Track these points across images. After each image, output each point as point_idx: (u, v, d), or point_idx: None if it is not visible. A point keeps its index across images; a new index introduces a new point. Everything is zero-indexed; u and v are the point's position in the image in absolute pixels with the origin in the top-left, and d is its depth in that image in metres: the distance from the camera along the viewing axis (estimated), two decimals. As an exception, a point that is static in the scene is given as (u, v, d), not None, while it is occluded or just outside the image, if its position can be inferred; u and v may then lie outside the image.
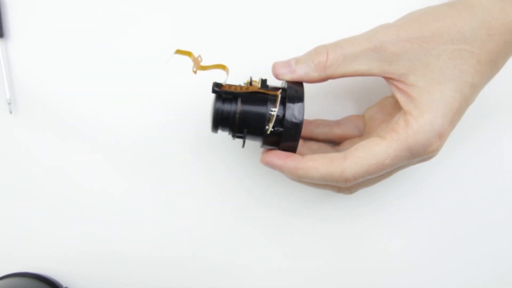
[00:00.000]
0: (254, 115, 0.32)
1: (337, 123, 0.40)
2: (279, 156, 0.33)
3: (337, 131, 0.39)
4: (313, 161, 0.32)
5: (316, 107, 0.41)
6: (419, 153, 0.31)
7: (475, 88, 0.31)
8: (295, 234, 0.43)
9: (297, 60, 0.33)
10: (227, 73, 0.32)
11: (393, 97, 0.38)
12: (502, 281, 0.44)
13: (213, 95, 0.33)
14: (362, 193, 0.40)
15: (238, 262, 0.44)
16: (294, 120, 0.31)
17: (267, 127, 0.32)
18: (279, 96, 0.32)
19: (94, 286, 0.44)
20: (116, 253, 0.44)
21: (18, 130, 0.42)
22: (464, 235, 0.43)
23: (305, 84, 0.33)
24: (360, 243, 0.43)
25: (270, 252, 0.44)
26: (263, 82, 0.33)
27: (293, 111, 0.31)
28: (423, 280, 0.44)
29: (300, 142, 0.38)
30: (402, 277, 0.44)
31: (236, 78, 0.36)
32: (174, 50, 0.30)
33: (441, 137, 0.31)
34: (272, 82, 0.34)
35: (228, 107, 0.32)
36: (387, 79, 0.32)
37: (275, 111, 0.31)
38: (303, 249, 0.43)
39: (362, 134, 0.39)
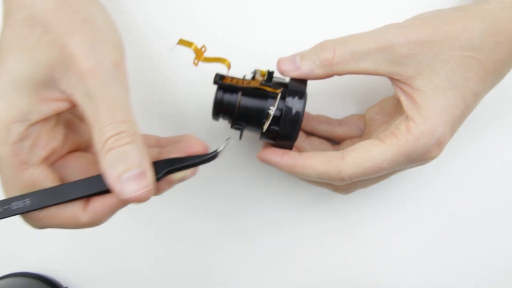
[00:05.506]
0: (254, 109, 0.32)
1: (339, 122, 0.39)
2: (275, 154, 0.33)
3: (338, 131, 0.39)
4: (310, 159, 0.32)
5: (317, 102, 0.40)
6: (417, 159, 0.31)
7: (477, 96, 0.31)
8: (292, 235, 0.43)
9: (302, 56, 0.32)
10: (228, 67, 0.32)
11: (394, 97, 0.37)
12: (503, 283, 0.44)
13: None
14: (361, 196, 0.40)
15: (233, 260, 0.43)
16: (291, 122, 0.31)
17: (264, 125, 0.31)
18: (279, 96, 0.31)
19: (94, 286, 0.44)
20: (116, 253, 0.44)
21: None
22: (464, 239, 0.43)
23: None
24: (358, 245, 0.43)
25: (263, 252, 0.43)
26: (269, 75, 0.32)
27: (291, 112, 0.31)
28: (422, 283, 0.43)
29: (303, 136, 0.38)
30: (401, 281, 0.43)
31: (242, 70, 0.34)
32: (177, 40, 0.30)
33: (440, 145, 0.30)
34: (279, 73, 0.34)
35: (228, 97, 0.32)
36: (393, 80, 0.31)
37: (272, 110, 0.31)
38: (300, 250, 0.43)
39: (362, 134, 0.39)
